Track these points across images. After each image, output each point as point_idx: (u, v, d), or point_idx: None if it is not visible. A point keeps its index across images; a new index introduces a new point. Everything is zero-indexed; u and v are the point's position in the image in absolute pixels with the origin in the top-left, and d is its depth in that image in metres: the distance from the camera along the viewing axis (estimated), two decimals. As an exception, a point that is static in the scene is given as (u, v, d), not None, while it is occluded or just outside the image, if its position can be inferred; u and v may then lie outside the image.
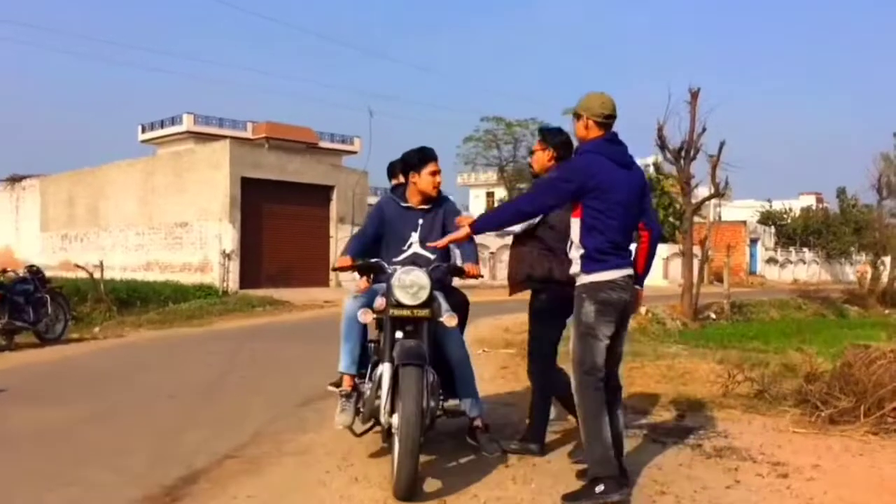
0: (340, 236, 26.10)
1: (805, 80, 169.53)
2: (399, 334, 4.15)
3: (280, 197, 24.17)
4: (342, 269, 4.52)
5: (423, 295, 4.14)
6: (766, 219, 48.00)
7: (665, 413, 5.98)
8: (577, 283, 3.97)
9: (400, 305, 4.14)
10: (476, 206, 63.23)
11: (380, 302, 4.24)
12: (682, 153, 22.06)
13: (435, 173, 4.72)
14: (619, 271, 3.92)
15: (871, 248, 35.82)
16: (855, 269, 42.88)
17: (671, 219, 39.21)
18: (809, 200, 59.83)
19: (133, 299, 18.22)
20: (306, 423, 5.78)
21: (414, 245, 4.73)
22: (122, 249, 26.59)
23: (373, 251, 4.67)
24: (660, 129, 22.08)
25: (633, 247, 4.12)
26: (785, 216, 48.91)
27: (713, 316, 22.67)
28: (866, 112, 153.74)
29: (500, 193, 57.33)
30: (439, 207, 4.79)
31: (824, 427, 5.33)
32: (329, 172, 26.73)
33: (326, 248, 25.78)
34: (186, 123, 47.93)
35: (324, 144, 50.62)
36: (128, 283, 20.80)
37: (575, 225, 3.99)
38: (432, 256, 4.66)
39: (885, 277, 32.22)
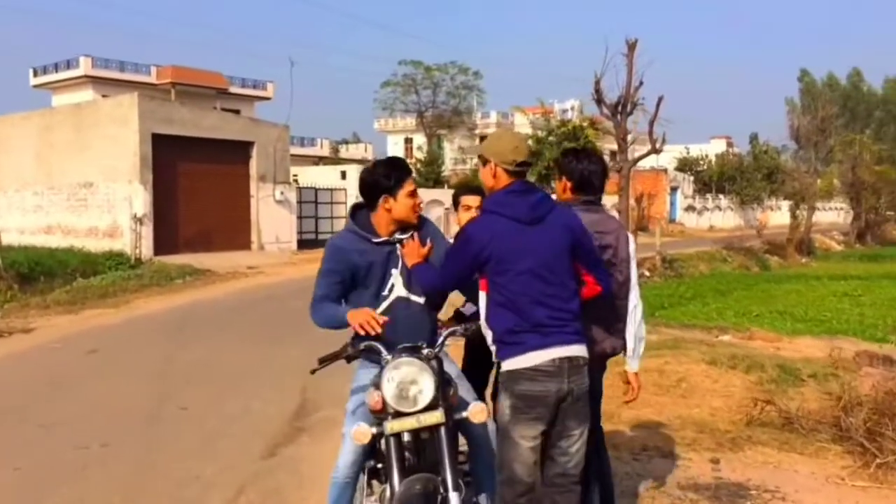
0: (261, 195, 24.62)
1: (706, 18, 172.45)
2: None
3: (195, 155, 22.37)
4: (326, 361, 3.51)
5: (428, 395, 3.13)
6: (684, 165, 48.52)
7: (692, 455, 5.28)
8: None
9: (400, 415, 3.15)
10: (394, 153, 61.75)
11: (375, 399, 3.22)
12: (619, 108, 21.50)
13: (413, 193, 3.53)
14: (540, 353, 3.10)
15: (790, 197, 36.57)
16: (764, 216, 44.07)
17: (595, 168, 39.07)
18: (720, 145, 60.94)
19: (36, 274, 16.51)
20: (284, 492, 4.81)
21: (397, 287, 3.55)
22: (18, 212, 24.35)
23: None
24: (597, 83, 21.42)
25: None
26: (701, 162, 49.56)
27: (647, 273, 22.55)
28: (770, 51, 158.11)
29: (419, 139, 56.13)
30: (418, 232, 3.59)
31: (881, 475, 4.73)
32: (248, 127, 24.98)
33: (247, 208, 24.27)
34: (84, 67, 44.25)
35: (235, 90, 47.82)
36: (28, 251, 18.96)
37: (482, 301, 3.24)
38: (422, 300, 3.53)
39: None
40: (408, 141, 62.08)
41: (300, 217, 27.26)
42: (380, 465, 3.40)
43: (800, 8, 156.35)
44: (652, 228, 30.22)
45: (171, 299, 15.07)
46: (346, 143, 58.92)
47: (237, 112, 36.65)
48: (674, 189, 43.70)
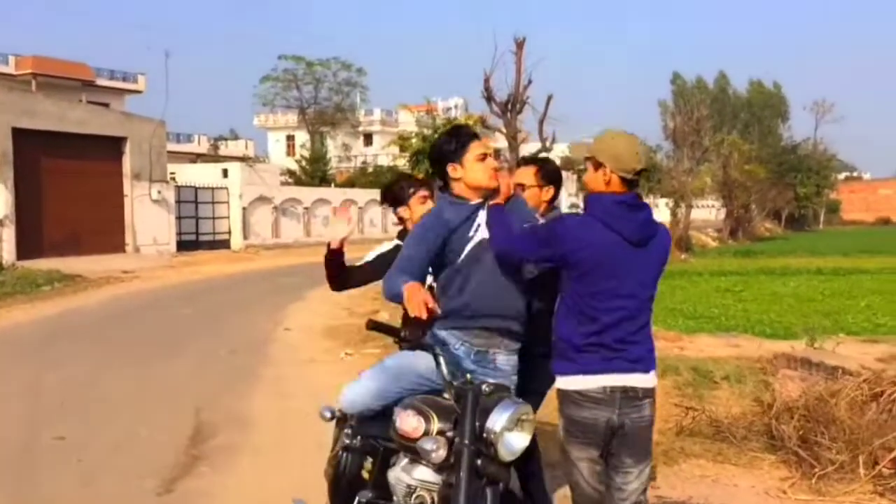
0: (136, 195, 23.15)
1: (586, 20, 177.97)
2: None
3: (62, 151, 20.83)
4: (379, 328, 2.93)
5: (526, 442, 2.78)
6: (567, 164, 49.50)
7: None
8: None
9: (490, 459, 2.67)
10: (276, 150, 60.11)
11: (414, 425, 2.76)
12: (509, 106, 21.49)
13: (485, 156, 3.13)
14: (589, 378, 2.87)
15: (668, 195, 37.90)
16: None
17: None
18: (599, 144, 62.76)
19: None
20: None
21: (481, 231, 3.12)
22: None
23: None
24: (486, 81, 21.32)
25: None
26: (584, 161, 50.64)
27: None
28: (644, 54, 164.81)
29: (302, 137, 54.83)
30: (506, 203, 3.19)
31: (822, 487, 4.61)
32: (120, 122, 23.48)
33: (121, 208, 22.83)
34: (-71, 53, 40.75)
35: (102, 82, 45.10)
36: None
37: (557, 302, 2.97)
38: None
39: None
40: (290, 138, 60.58)
41: (179, 217, 25.90)
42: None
43: (671, 14, 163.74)
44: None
45: (39, 309, 13.78)
46: (225, 139, 56.80)
47: (106, 106, 34.52)
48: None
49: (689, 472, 5.02)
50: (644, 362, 2.93)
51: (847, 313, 12.22)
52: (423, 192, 3.85)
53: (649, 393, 2.94)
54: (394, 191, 3.98)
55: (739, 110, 66.10)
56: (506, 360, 3.11)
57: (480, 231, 3.10)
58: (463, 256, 3.07)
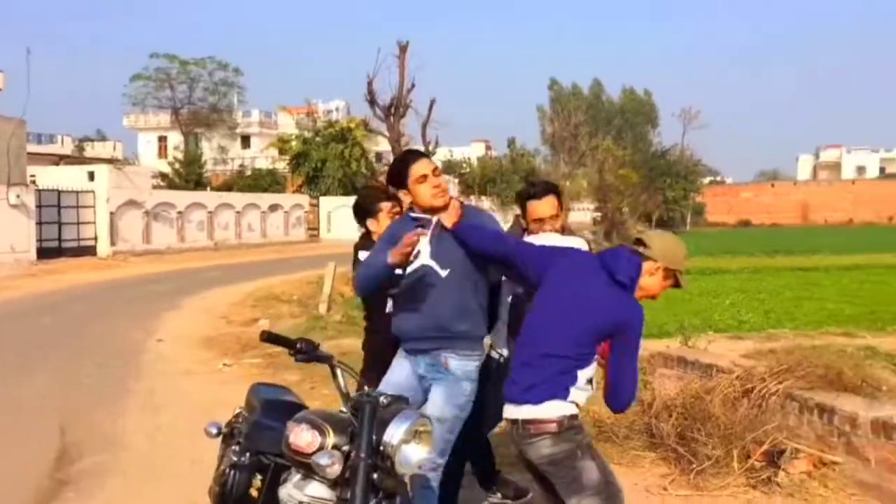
0: (-8, 198, 21.57)
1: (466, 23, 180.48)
2: None
3: None
4: (275, 340, 2.83)
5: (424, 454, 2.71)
6: (448, 168, 50.00)
7: (517, 475, 5.01)
8: None
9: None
10: (147, 152, 57.64)
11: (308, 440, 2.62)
12: (392, 110, 21.44)
13: (425, 177, 3.31)
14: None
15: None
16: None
17: (363, 169, 39.08)
18: (480, 148, 63.72)
19: None
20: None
21: (423, 255, 3.33)
22: None
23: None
24: (369, 84, 21.19)
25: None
26: (465, 165, 51.38)
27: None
28: (523, 59, 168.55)
29: (175, 138, 52.81)
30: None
31: (700, 482, 4.74)
32: (-27, 120, 21.84)
33: (-25, 214, 21.18)
34: None
35: (-49, 78, 41.87)
36: None
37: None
38: (444, 273, 3.29)
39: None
40: (162, 139, 58.27)
41: (40, 223, 24.33)
42: None
43: (549, 18, 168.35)
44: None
45: None
46: (92, 140, 53.91)
47: (-43, 103, 32.04)
48: (440, 191, 44.83)
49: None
50: (529, 391, 2.93)
51: (714, 311, 12.77)
52: (393, 207, 4.02)
53: (539, 429, 2.90)
54: (364, 204, 4.18)
55: (613, 116, 68.68)
56: (459, 364, 3.30)
57: (420, 257, 3.30)
58: (403, 280, 3.35)
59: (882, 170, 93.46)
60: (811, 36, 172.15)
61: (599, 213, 41.42)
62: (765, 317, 12.28)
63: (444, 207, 3.32)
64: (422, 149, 22.14)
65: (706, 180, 78.57)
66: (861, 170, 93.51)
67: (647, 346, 8.53)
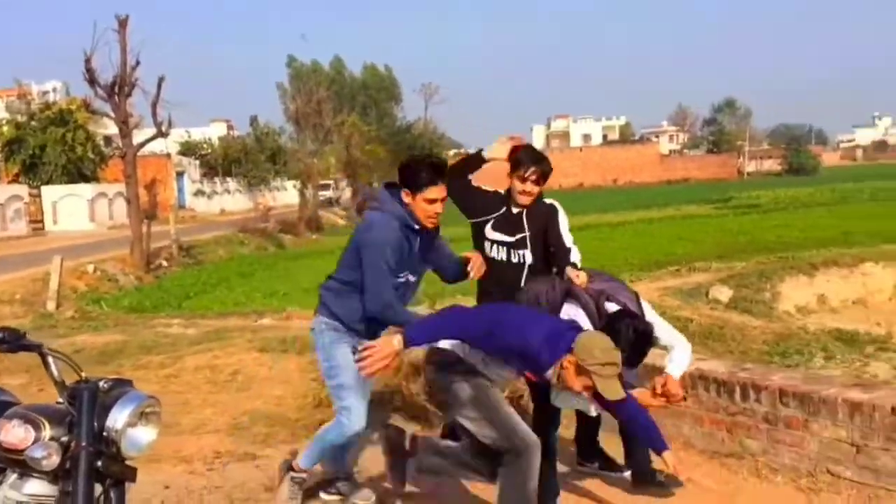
0: None
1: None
2: None
3: None
4: None
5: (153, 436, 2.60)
6: (188, 150, 47.55)
7: (269, 452, 4.91)
8: None
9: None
10: None
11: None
12: (116, 89, 19.89)
13: (434, 202, 3.57)
14: None
15: (295, 177, 38.32)
16: (272, 197, 45.69)
17: (90, 154, 36.01)
18: (221, 128, 61.11)
19: None
20: None
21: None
22: None
23: None
24: (87, 62, 19.44)
25: None
26: (205, 146, 49.08)
27: (165, 263, 21.59)
28: (259, 39, 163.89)
29: None
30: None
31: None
32: None
33: None
34: None
35: None
36: None
37: None
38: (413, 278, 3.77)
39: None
40: None
41: None
42: None
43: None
44: (163, 216, 29.00)
45: None
46: None
47: None
48: (180, 174, 42.54)
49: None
50: None
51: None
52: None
53: None
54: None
55: (356, 92, 69.08)
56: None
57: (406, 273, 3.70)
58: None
59: (605, 137, 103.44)
60: (540, 15, 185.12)
61: (349, 190, 41.77)
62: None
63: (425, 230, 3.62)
64: (153, 130, 20.86)
65: (451, 152, 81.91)
66: (587, 137, 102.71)
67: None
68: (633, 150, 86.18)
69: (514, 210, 4.08)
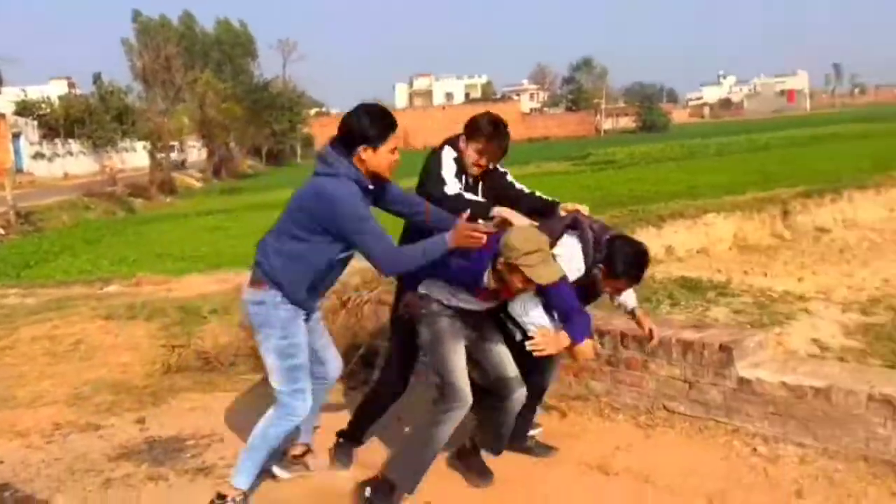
0: None
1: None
2: None
3: None
4: None
5: None
6: (24, 109, 44.13)
7: (115, 421, 4.69)
8: None
9: None
10: None
11: None
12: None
13: (395, 150, 3.37)
14: None
15: (145, 138, 36.36)
16: (121, 159, 43.28)
17: None
18: (62, 86, 57.07)
19: None
20: None
21: None
22: None
23: None
24: None
25: None
26: (44, 105, 45.66)
27: (1, 231, 20.15)
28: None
29: None
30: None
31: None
32: None
33: None
34: None
35: None
36: None
37: None
38: None
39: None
40: None
41: None
42: None
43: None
44: (-2, 181, 26.88)
45: None
46: None
47: None
48: (16, 136, 39.44)
49: (179, 406, 4.96)
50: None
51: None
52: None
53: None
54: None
55: (209, 48, 66.16)
56: None
57: None
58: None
59: (467, 95, 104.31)
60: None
61: (206, 151, 40.14)
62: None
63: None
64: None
65: (312, 112, 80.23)
66: (449, 96, 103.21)
67: (233, 279, 8.60)
68: (494, 109, 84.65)
69: (469, 180, 3.90)
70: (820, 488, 3.43)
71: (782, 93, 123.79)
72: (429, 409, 3.49)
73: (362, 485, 3.50)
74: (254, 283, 3.41)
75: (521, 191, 3.98)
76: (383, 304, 5.48)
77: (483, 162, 3.83)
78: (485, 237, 3.16)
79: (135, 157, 45.22)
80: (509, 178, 4.02)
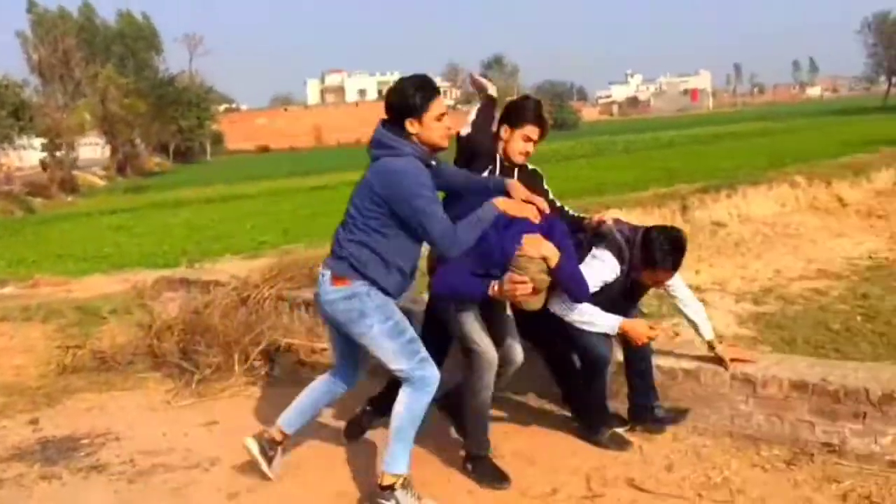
0: None
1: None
2: None
3: None
4: None
5: None
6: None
7: (6, 423, 4.60)
8: None
9: None
10: None
11: None
12: None
13: (443, 116, 3.29)
14: None
15: (44, 134, 34.90)
16: (18, 156, 41.38)
17: None
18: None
19: None
20: None
21: None
22: None
23: None
24: None
25: None
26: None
27: None
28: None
29: None
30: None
31: (202, 390, 4.93)
32: None
33: None
34: None
35: None
36: None
37: None
38: None
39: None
40: None
41: None
42: None
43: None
44: None
45: None
46: None
47: None
48: None
49: (74, 407, 4.91)
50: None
51: (234, 236, 13.02)
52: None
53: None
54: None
55: (111, 42, 63.87)
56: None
57: None
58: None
59: (380, 92, 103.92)
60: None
61: (109, 148, 38.86)
62: (283, 235, 12.87)
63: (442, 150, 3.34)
64: None
65: (221, 108, 78.50)
66: (363, 92, 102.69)
67: (148, 274, 8.49)
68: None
69: (506, 166, 3.88)
70: (688, 462, 3.69)
71: (686, 92, 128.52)
72: (466, 378, 3.64)
73: (463, 462, 3.71)
74: (337, 279, 3.31)
75: (554, 202, 3.96)
76: (283, 300, 5.57)
77: (531, 148, 3.87)
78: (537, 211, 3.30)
79: (34, 155, 43.31)
80: (545, 185, 4.07)
